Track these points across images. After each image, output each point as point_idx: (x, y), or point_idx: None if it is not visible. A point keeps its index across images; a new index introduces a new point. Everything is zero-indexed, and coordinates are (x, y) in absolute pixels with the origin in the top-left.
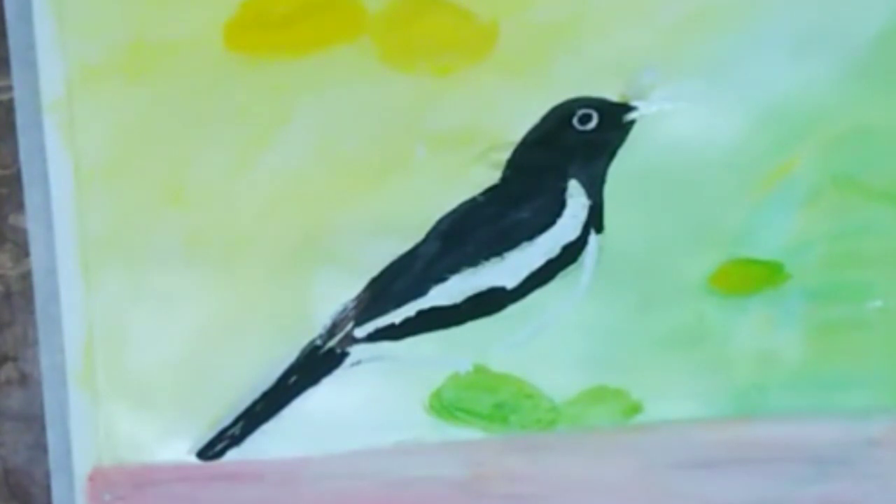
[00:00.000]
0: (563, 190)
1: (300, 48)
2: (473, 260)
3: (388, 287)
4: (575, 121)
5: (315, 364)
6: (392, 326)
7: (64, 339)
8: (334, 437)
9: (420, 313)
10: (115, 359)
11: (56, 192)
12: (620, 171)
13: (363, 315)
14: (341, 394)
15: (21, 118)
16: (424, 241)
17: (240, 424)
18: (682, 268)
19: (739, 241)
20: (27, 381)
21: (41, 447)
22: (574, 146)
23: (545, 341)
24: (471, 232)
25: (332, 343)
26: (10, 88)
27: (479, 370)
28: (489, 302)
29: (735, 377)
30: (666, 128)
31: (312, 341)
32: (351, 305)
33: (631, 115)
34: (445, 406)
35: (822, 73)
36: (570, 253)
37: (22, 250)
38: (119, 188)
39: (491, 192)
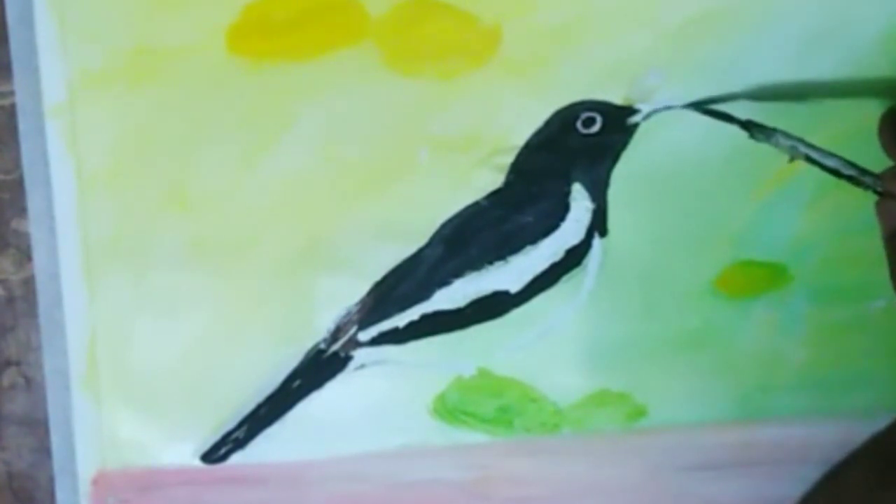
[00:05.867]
0: (567, 193)
1: (303, 52)
2: (477, 264)
3: (392, 291)
4: (578, 124)
5: (319, 368)
6: (396, 330)
7: (67, 343)
8: (338, 440)
9: (424, 317)
10: (119, 363)
11: (58, 196)
12: (624, 175)
13: (367, 319)
14: (345, 397)
15: (23, 123)
16: (428, 246)
17: (244, 428)
18: (686, 271)
19: (743, 243)
20: (31, 385)
21: (45, 451)
22: (578, 149)
23: (549, 345)
24: (474, 236)
25: (335, 347)
26: (11, 93)
27: (483, 374)
28: (493, 306)
29: (739, 380)
30: (669, 130)
31: (316, 345)
32: (355, 309)
33: (635, 118)
34: (449, 410)
35: (825, 74)
36: (574, 257)
37: (24, 255)
38: (122, 193)
39: (494, 196)
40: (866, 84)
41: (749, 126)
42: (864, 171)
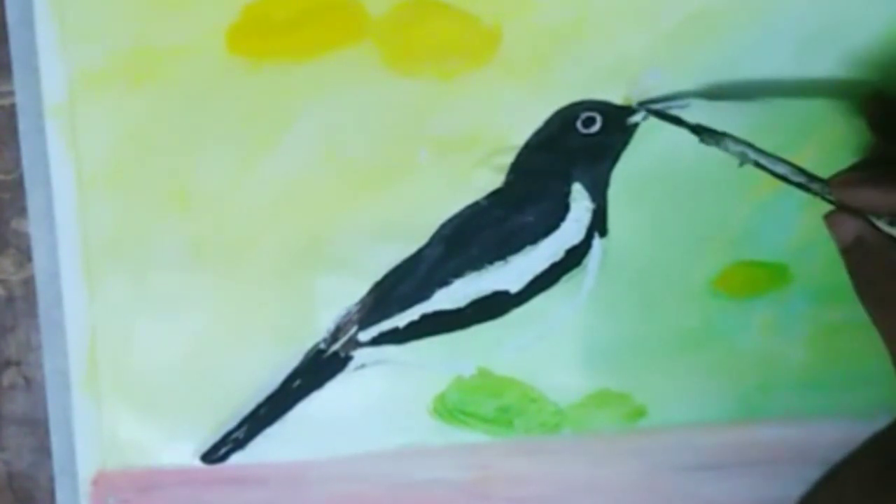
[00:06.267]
0: (567, 193)
1: (303, 52)
2: (477, 264)
3: (392, 291)
4: (578, 124)
5: (319, 368)
6: (396, 330)
7: (67, 343)
8: (338, 440)
9: (424, 317)
10: (119, 363)
11: (59, 196)
12: (624, 175)
13: (367, 319)
14: (345, 397)
15: (23, 123)
16: (428, 245)
17: (244, 428)
18: (686, 271)
19: (743, 243)
20: (31, 385)
21: (45, 451)
22: (578, 149)
23: (549, 345)
24: (474, 236)
25: (336, 347)
26: (11, 93)
27: (484, 374)
28: (493, 306)
29: (739, 380)
30: (669, 130)
31: (316, 345)
32: (355, 309)
33: (635, 118)
34: (449, 410)
35: (825, 73)
36: (574, 257)
37: (24, 255)
38: (122, 193)
39: (494, 195)
40: (817, 84)
41: (698, 130)
42: (812, 178)
